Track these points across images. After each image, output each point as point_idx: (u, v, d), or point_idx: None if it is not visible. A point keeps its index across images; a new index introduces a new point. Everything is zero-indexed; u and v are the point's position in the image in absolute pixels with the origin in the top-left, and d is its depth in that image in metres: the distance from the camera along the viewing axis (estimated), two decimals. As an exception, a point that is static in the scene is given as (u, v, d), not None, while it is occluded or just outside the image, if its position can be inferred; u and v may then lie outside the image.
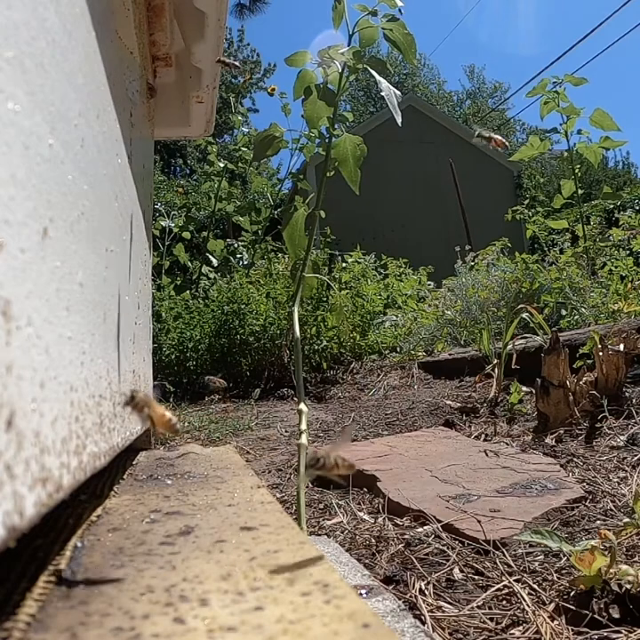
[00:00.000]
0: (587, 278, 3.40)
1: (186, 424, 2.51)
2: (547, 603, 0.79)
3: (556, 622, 0.74)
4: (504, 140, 1.21)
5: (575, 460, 1.48)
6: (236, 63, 1.47)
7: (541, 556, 0.94)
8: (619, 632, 0.69)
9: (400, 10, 1.39)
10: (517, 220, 4.62)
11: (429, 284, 5.78)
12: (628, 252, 3.84)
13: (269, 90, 5.07)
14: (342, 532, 1.13)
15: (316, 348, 3.75)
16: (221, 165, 5.63)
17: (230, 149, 6.70)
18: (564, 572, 0.87)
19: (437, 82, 32.13)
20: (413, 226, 13.86)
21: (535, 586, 0.84)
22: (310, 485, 1.49)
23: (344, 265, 4.80)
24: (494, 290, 3.69)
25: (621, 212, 4.69)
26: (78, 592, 0.45)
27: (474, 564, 0.93)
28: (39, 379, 0.41)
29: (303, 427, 1.12)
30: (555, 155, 15.00)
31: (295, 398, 3.18)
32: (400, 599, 0.79)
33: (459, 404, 2.36)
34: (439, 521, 1.09)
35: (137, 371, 1.02)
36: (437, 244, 12.29)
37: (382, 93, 1.39)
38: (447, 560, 0.95)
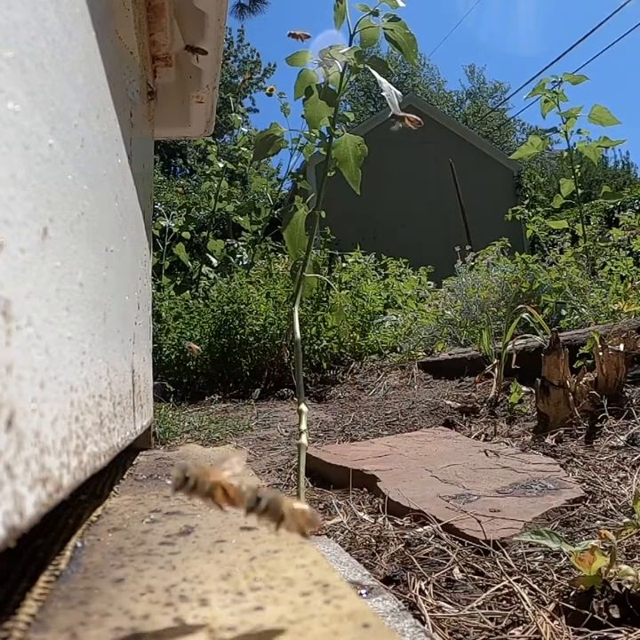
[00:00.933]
0: (587, 278, 3.40)
1: (186, 424, 2.51)
2: (547, 603, 0.79)
3: (555, 622, 0.74)
4: (417, 118, 1.24)
5: (575, 460, 1.47)
6: (204, 48, 1.49)
7: (541, 556, 0.94)
8: (619, 632, 0.69)
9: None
10: (517, 220, 4.62)
11: (429, 284, 5.78)
12: (628, 251, 3.84)
13: (268, 90, 5.06)
14: (342, 532, 1.13)
15: (316, 348, 3.75)
16: (221, 165, 5.63)
17: (230, 149, 6.70)
18: (564, 571, 0.87)
19: (437, 82, 32.14)
20: (413, 226, 13.86)
21: (535, 586, 0.84)
22: (310, 485, 1.49)
23: (344, 265, 4.80)
24: (494, 290, 3.69)
25: (621, 212, 4.68)
26: (78, 592, 0.45)
27: (474, 564, 0.93)
28: (39, 379, 0.41)
29: (303, 427, 1.12)
30: (555, 154, 15.00)
31: (295, 398, 3.18)
32: (400, 599, 0.79)
33: (459, 404, 2.36)
34: (439, 521, 1.09)
35: (137, 371, 1.02)
36: (437, 244, 12.29)
37: (383, 93, 1.39)
38: (447, 560, 0.95)
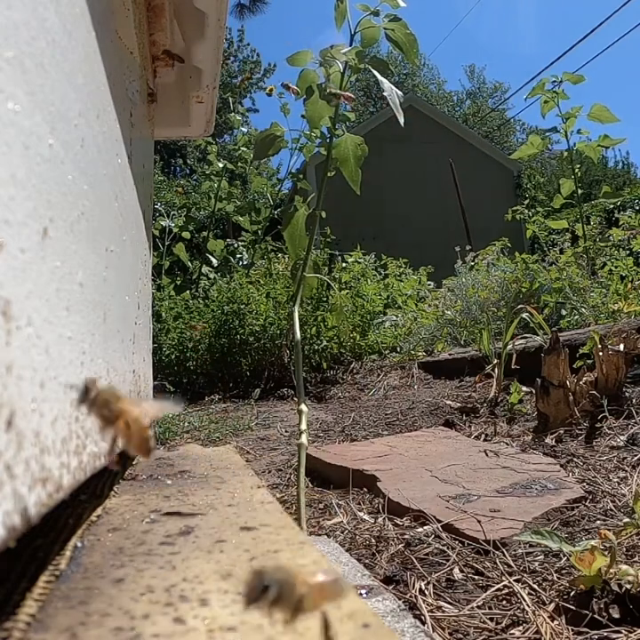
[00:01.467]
0: (587, 278, 3.40)
1: (186, 424, 2.51)
2: (547, 603, 0.79)
3: (555, 622, 0.74)
4: (351, 96, 1.42)
5: (575, 460, 1.47)
6: (180, 56, 1.53)
7: (541, 556, 0.94)
8: (619, 632, 0.69)
9: None
10: (517, 220, 4.62)
11: (429, 284, 5.78)
12: (628, 252, 3.84)
13: (268, 90, 5.06)
14: (342, 532, 1.13)
15: (316, 348, 3.75)
16: (221, 165, 5.63)
17: (230, 149, 6.70)
18: (564, 572, 0.87)
19: (437, 82, 32.15)
20: (413, 226, 13.86)
21: (535, 586, 0.84)
22: (310, 485, 1.49)
23: (344, 265, 4.80)
24: (494, 290, 3.69)
25: (621, 212, 4.68)
26: (78, 592, 0.45)
27: (474, 564, 0.93)
28: (39, 379, 0.41)
29: (303, 427, 1.12)
30: (555, 154, 15.00)
31: (295, 398, 3.17)
32: (400, 599, 0.79)
33: (459, 404, 2.36)
34: (439, 521, 1.09)
35: (137, 371, 1.01)
36: (437, 244, 12.28)
37: (385, 93, 1.39)
38: (447, 560, 0.95)
